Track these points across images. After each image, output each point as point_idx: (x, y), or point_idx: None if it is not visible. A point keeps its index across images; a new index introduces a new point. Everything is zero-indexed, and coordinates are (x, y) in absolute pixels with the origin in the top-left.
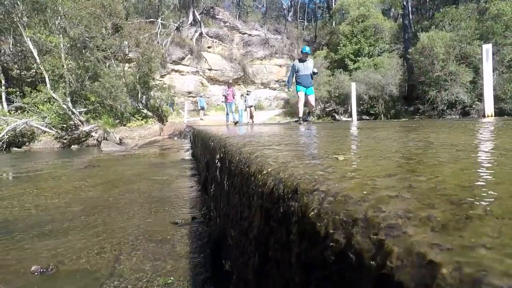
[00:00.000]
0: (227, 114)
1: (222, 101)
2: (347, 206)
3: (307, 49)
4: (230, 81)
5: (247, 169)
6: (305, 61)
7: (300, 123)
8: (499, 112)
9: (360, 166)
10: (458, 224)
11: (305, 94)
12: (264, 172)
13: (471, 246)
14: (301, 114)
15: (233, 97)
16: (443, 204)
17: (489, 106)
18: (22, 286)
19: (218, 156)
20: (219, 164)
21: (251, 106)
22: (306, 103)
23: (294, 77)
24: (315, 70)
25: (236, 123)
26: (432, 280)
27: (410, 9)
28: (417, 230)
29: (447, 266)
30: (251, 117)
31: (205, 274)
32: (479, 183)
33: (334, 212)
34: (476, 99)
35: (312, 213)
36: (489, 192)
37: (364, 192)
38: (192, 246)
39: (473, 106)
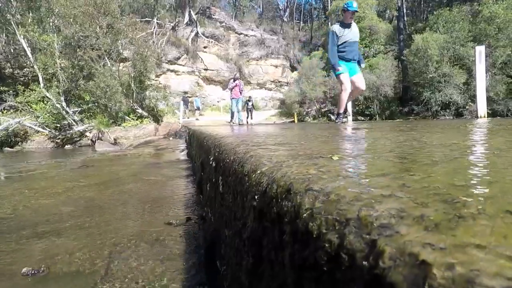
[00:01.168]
0: (233, 112)
1: (231, 97)
2: (340, 205)
3: (355, 5)
4: (237, 74)
5: (241, 168)
6: (349, 25)
7: (342, 122)
8: (492, 113)
9: (354, 166)
10: (451, 223)
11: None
12: (258, 171)
13: (464, 245)
14: (343, 108)
15: (241, 93)
16: (436, 203)
17: (482, 107)
18: None
19: (212, 155)
20: (213, 164)
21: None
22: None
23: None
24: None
25: (231, 122)
26: (424, 280)
27: (405, 11)
28: (409, 230)
29: (440, 266)
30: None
31: (199, 275)
32: (472, 182)
33: (327, 211)
34: (470, 100)
35: (305, 213)
36: (482, 191)
37: (358, 191)
38: (186, 247)
39: (466, 107)
